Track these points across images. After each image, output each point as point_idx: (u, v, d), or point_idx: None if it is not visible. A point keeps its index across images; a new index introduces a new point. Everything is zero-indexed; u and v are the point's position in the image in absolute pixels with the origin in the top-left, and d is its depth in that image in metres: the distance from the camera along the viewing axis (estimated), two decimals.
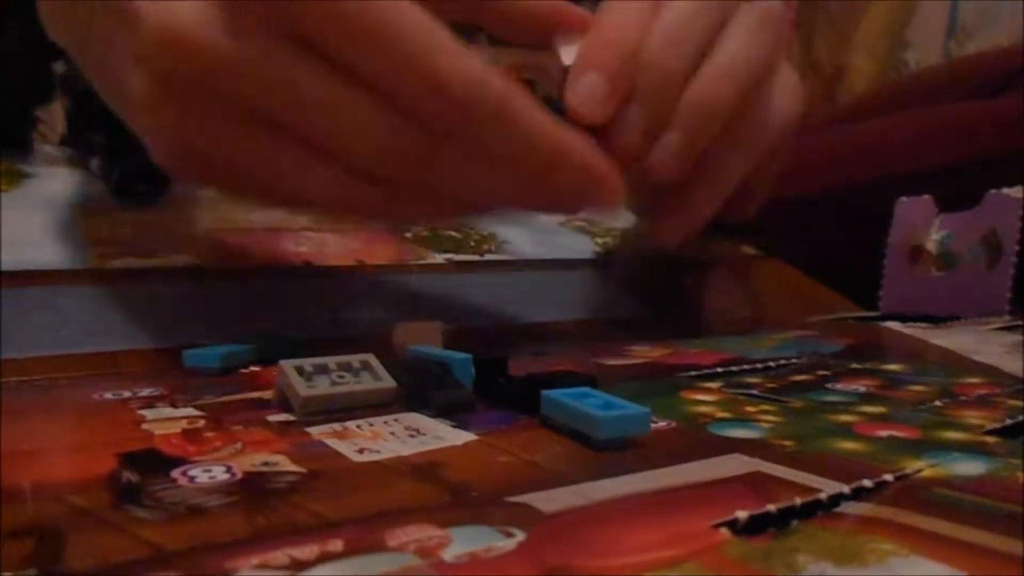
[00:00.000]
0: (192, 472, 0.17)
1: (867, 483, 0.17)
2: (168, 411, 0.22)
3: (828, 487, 0.16)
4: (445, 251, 0.43)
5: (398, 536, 0.14)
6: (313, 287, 0.37)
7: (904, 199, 0.47)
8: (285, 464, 0.18)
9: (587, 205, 0.28)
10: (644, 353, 0.33)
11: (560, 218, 0.53)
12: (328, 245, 0.41)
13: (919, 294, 0.46)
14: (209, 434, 0.20)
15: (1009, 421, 0.22)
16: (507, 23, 0.31)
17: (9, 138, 0.48)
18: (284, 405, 0.22)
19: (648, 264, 0.45)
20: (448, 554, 0.13)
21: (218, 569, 0.13)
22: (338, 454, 0.19)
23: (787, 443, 0.20)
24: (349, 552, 0.13)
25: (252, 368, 0.28)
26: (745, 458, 0.18)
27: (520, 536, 0.14)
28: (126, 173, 0.41)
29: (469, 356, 0.24)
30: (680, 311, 0.44)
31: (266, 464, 0.18)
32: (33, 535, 0.14)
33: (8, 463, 0.18)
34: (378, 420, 0.21)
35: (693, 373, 0.28)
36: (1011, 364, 0.30)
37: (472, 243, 0.45)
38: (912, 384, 0.27)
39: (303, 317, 0.34)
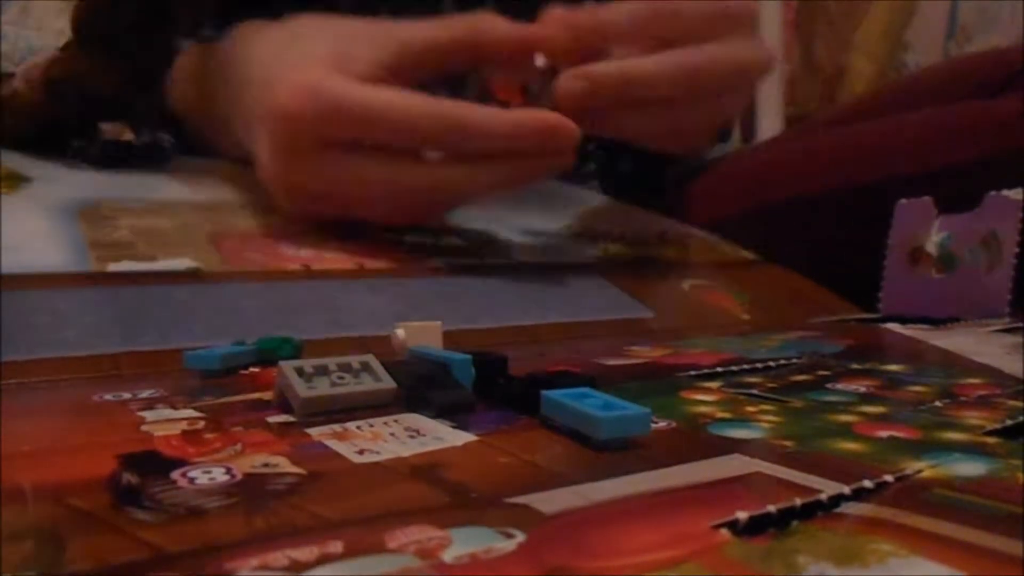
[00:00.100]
0: (192, 473, 0.17)
1: (867, 484, 0.17)
2: (168, 412, 0.22)
3: (828, 488, 0.16)
4: (444, 256, 0.43)
5: (398, 537, 0.14)
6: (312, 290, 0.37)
7: (904, 201, 0.47)
8: (285, 465, 0.18)
9: (553, 161, 0.38)
10: (644, 353, 0.33)
11: (563, 222, 0.53)
12: (328, 250, 0.41)
13: (919, 296, 0.46)
14: (209, 435, 0.20)
15: (1009, 422, 0.22)
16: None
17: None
18: (284, 406, 0.22)
19: None
20: (448, 555, 0.13)
21: (218, 570, 0.13)
22: (338, 455, 0.19)
23: (787, 443, 0.20)
24: (349, 553, 0.13)
25: (252, 369, 0.28)
26: (745, 458, 0.18)
27: (520, 537, 0.14)
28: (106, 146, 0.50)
29: (469, 356, 0.24)
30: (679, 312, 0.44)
31: (266, 465, 0.18)
32: (33, 536, 0.14)
33: (8, 464, 0.18)
34: (378, 421, 0.21)
35: (693, 373, 0.28)
36: (1011, 365, 0.30)
37: (474, 248, 0.45)
38: (912, 384, 0.27)
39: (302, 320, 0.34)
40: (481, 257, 0.44)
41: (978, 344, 0.35)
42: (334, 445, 0.19)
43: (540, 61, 0.41)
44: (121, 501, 0.16)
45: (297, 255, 0.39)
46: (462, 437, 0.20)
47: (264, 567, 0.13)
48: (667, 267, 0.50)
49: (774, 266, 0.53)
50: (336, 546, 0.14)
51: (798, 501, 0.16)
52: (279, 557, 0.13)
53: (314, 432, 0.20)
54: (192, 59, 0.51)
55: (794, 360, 0.31)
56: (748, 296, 0.47)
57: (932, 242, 0.46)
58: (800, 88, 1.70)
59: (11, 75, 0.49)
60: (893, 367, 0.30)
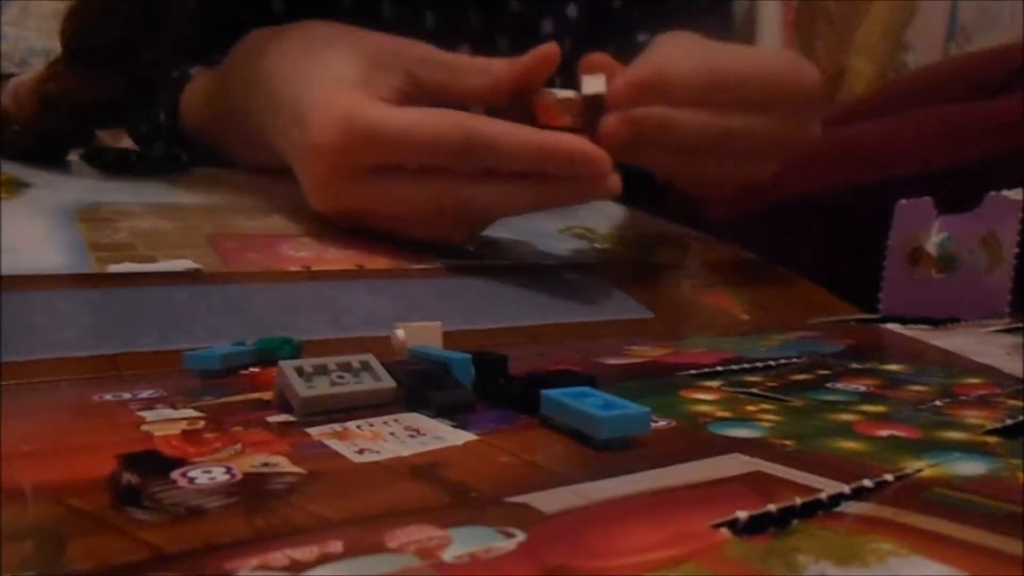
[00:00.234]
0: (192, 473, 0.17)
1: (867, 483, 0.17)
2: (168, 412, 0.22)
3: (828, 487, 0.16)
4: (444, 256, 0.43)
5: (398, 537, 0.14)
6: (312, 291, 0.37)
7: (904, 201, 0.47)
8: (285, 465, 0.18)
9: (585, 187, 0.39)
10: (644, 353, 0.33)
11: (561, 224, 0.53)
12: (328, 250, 0.41)
13: (919, 296, 0.46)
14: (209, 435, 0.20)
15: (1009, 421, 0.22)
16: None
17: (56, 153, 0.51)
18: (284, 406, 0.22)
19: None
20: (448, 555, 0.13)
21: (218, 570, 0.13)
22: (338, 455, 0.19)
23: (787, 443, 0.20)
24: (349, 553, 0.13)
25: (252, 369, 0.28)
26: (745, 458, 0.18)
27: (520, 536, 0.14)
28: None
29: (469, 356, 0.24)
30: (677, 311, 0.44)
31: (266, 465, 0.18)
32: (33, 536, 0.14)
33: (8, 464, 0.18)
34: (378, 420, 0.21)
35: (693, 372, 0.28)
36: (1011, 365, 0.30)
37: (471, 249, 0.45)
38: (912, 384, 0.27)
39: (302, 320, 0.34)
40: (481, 258, 0.44)
41: (978, 344, 0.35)
42: (334, 445, 0.19)
43: (588, 88, 0.42)
44: (121, 501, 0.16)
45: (297, 256, 0.39)
46: (462, 436, 0.20)
47: (264, 567, 0.13)
48: (667, 268, 0.50)
49: (774, 267, 0.53)
50: (336, 546, 0.14)
51: (798, 500, 0.16)
52: (279, 557, 0.13)
53: (314, 432, 0.20)
54: (202, 83, 0.52)
55: (794, 360, 0.31)
56: (748, 296, 0.47)
57: (932, 242, 0.46)
58: None
59: (11, 76, 0.49)
60: (893, 367, 0.30)
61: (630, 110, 0.41)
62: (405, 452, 0.19)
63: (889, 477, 0.17)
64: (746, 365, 0.30)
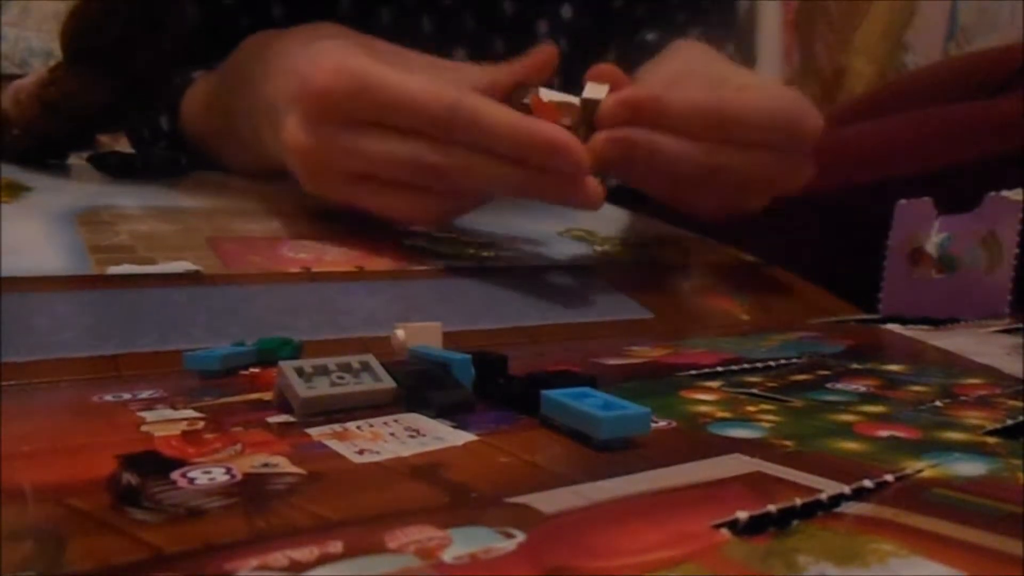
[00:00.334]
0: (192, 474, 0.17)
1: (867, 483, 0.17)
2: (168, 413, 0.22)
3: (828, 487, 0.16)
4: (444, 258, 0.43)
5: (398, 537, 0.14)
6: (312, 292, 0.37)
7: (904, 201, 0.47)
8: (285, 465, 0.18)
9: (564, 184, 0.38)
10: (644, 353, 0.33)
11: (561, 227, 0.53)
12: (328, 252, 0.41)
13: (919, 296, 0.46)
14: (209, 436, 0.20)
15: (1009, 421, 0.22)
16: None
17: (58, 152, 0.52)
18: (284, 406, 0.22)
19: None
20: (448, 555, 0.13)
21: (218, 571, 0.13)
22: (338, 455, 0.19)
23: (787, 443, 0.20)
24: (349, 553, 0.13)
25: (252, 370, 0.28)
26: (745, 458, 0.18)
27: (520, 537, 0.14)
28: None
29: (469, 356, 0.24)
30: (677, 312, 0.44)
31: (266, 465, 0.18)
32: (33, 537, 0.14)
33: (8, 465, 0.18)
34: (378, 421, 0.21)
35: (693, 372, 0.28)
36: (1011, 365, 0.30)
37: (471, 251, 0.45)
38: (912, 384, 0.27)
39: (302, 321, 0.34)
40: (480, 260, 0.44)
41: (978, 344, 0.35)
42: (334, 445, 0.19)
43: (588, 93, 0.42)
44: (121, 501, 0.16)
45: (297, 257, 0.39)
46: (462, 437, 0.20)
47: (264, 567, 0.13)
48: (666, 269, 0.50)
49: (773, 268, 0.53)
50: (336, 546, 0.14)
51: (798, 501, 0.16)
52: (279, 557, 0.13)
53: (314, 432, 0.20)
54: (203, 87, 0.52)
55: (794, 360, 0.31)
56: (748, 298, 0.47)
57: (932, 243, 0.46)
58: (800, 89, 1.70)
59: (11, 76, 0.49)
60: (893, 367, 0.30)
61: (621, 129, 0.41)
62: (405, 452, 0.19)
63: (889, 478, 0.17)
64: (746, 365, 0.30)
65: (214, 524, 0.15)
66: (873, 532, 0.15)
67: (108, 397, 0.24)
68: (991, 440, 0.20)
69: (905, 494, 0.17)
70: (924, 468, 0.18)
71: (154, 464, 0.18)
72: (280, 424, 0.21)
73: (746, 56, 0.64)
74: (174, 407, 0.23)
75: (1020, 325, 0.39)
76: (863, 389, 0.26)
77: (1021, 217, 0.43)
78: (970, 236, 0.44)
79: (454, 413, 0.22)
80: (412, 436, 0.20)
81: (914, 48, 1.60)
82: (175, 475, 0.17)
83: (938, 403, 0.24)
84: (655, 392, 0.25)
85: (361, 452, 0.19)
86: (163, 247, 0.38)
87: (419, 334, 0.29)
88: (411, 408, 0.22)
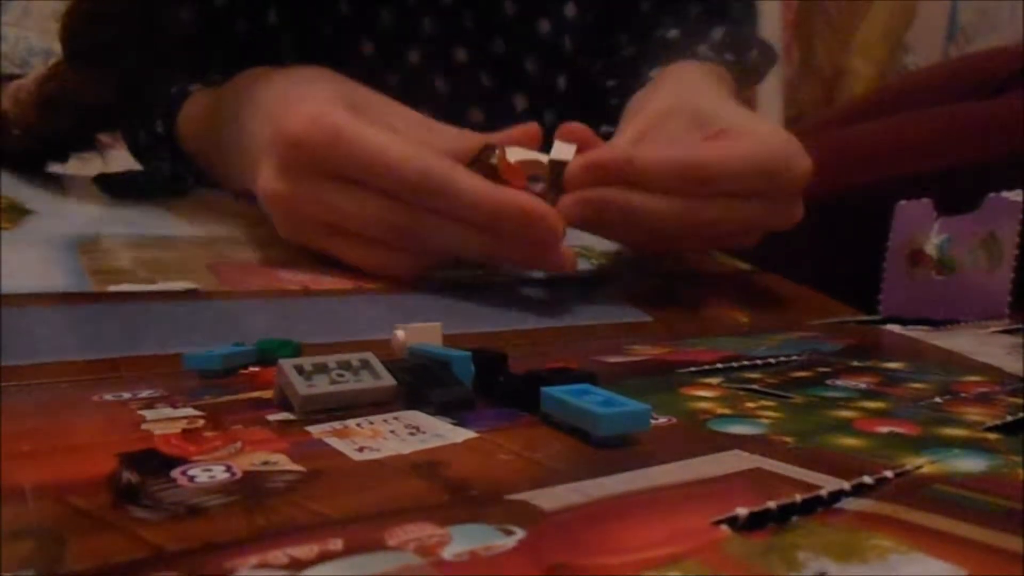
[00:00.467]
0: (192, 472, 0.17)
1: (867, 479, 0.17)
2: (168, 411, 0.22)
3: (828, 483, 0.16)
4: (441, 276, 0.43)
5: (398, 535, 0.14)
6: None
7: (903, 202, 0.47)
8: (285, 463, 0.18)
9: (537, 250, 0.39)
10: (644, 351, 0.33)
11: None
12: (327, 275, 0.41)
13: (919, 298, 0.46)
14: (209, 434, 0.20)
15: (1010, 418, 0.22)
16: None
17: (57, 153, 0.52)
18: (284, 404, 0.22)
19: None
20: (448, 552, 0.13)
21: (218, 569, 0.13)
22: (338, 453, 0.19)
23: (787, 439, 0.20)
24: (349, 551, 0.13)
25: (252, 369, 0.28)
26: (745, 455, 0.18)
27: (520, 534, 0.14)
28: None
29: (469, 353, 0.24)
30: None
31: (266, 463, 0.18)
32: (33, 535, 0.14)
33: (8, 464, 0.18)
34: (378, 418, 0.21)
35: (693, 369, 0.28)
36: (1012, 364, 0.30)
37: (466, 271, 0.45)
38: (912, 381, 0.27)
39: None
40: (476, 278, 0.44)
41: (978, 344, 0.35)
42: (334, 443, 0.19)
43: (555, 154, 0.41)
44: (121, 499, 0.16)
45: (295, 279, 0.40)
46: (462, 434, 0.20)
47: (264, 565, 0.13)
48: (664, 278, 0.50)
49: (771, 275, 0.53)
50: (336, 544, 0.14)
51: (798, 497, 0.16)
52: (279, 555, 0.13)
53: (314, 430, 0.20)
54: (198, 109, 0.53)
55: (794, 357, 0.31)
56: (746, 303, 0.47)
57: (932, 244, 0.46)
58: (800, 90, 1.70)
59: (12, 76, 0.49)
60: (893, 364, 0.30)
61: (590, 191, 0.40)
62: (405, 450, 0.19)
63: (889, 474, 0.17)
64: (746, 362, 0.30)
65: (214, 522, 0.15)
66: (873, 528, 0.15)
67: (108, 396, 0.24)
68: (991, 436, 0.20)
69: (905, 490, 0.17)
70: (924, 464, 0.18)
71: (154, 462, 0.18)
72: (280, 422, 0.21)
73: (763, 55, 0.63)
74: (174, 406, 0.23)
75: (1020, 326, 0.39)
76: (863, 386, 0.26)
77: (1021, 218, 0.43)
78: (970, 237, 0.44)
79: (454, 410, 0.22)
80: (412, 433, 0.20)
81: (914, 49, 1.60)
82: (175, 473, 0.17)
83: (938, 399, 0.24)
84: (655, 389, 0.25)
85: (361, 450, 0.19)
86: (164, 271, 0.39)
87: (419, 335, 0.29)
88: (411, 405, 0.22)
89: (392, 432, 0.20)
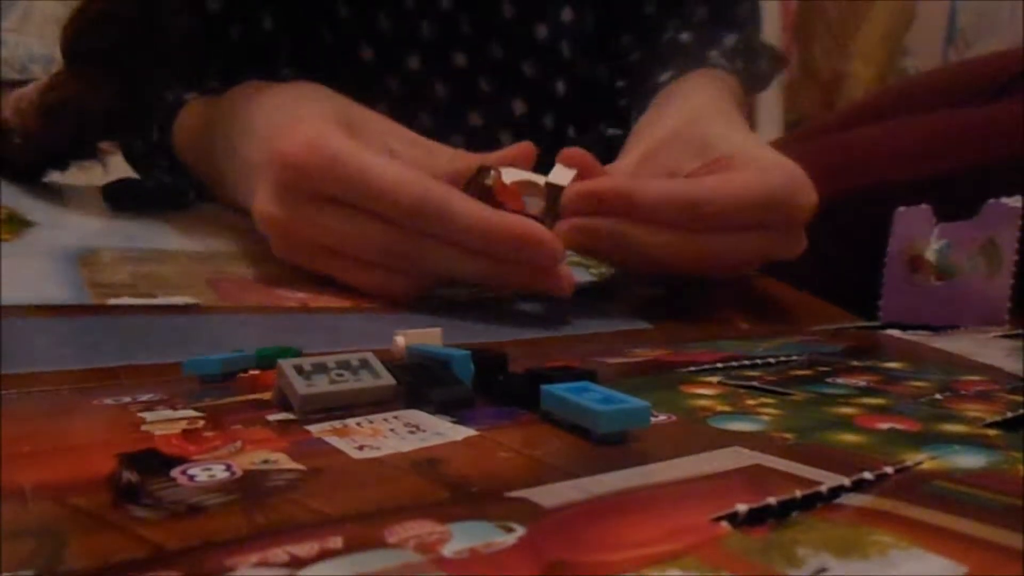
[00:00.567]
0: (192, 471, 0.17)
1: (867, 475, 0.17)
2: (168, 413, 0.22)
3: (828, 479, 0.16)
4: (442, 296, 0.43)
5: (398, 532, 0.14)
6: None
7: (903, 208, 0.47)
8: (285, 462, 0.18)
9: (534, 274, 0.38)
10: (644, 353, 0.33)
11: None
12: (325, 292, 0.41)
13: (919, 303, 0.46)
14: (208, 433, 0.20)
15: (1009, 414, 0.22)
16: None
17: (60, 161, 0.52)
18: (284, 404, 0.22)
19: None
20: (448, 550, 0.13)
21: (218, 567, 0.13)
22: (338, 451, 0.19)
23: (787, 436, 0.20)
24: (349, 549, 0.13)
25: (252, 372, 0.28)
26: (745, 451, 0.18)
27: (520, 531, 0.14)
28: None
29: (468, 352, 0.24)
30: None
31: (266, 462, 0.18)
32: (34, 535, 0.14)
33: (8, 464, 0.18)
34: (378, 417, 0.21)
35: (693, 368, 0.28)
36: (1011, 365, 0.30)
37: (464, 291, 0.45)
38: (912, 380, 0.27)
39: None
40: (475, 296, 0.44)
41: (978, 347, 0.34)
42: (334, 441, 0.19)
43: (553, 177, 0.41)
44: (121, 499, 0.16)
45: (294, 296, 0.40)
46: (462, 432, 0.20)
47: (264, 563, 0.13)
48: (664, 286, 0.50)
49: (771, 280, 0.53)
50: (336, 542, 0.14)
51: (798, 493, 0.16)
52: (279, 553, 0.13)
53: (314, 429, 0.20)
54: (194, 116, 0.53)
55: (794, 357, 0.31)
56: (746, 309, 0.47)
57: (931, 250, 0.46)
58: (799, 93, 1.70)
59: (12, 82, 0.50)
60: (893, 364, 0.30)
61: (587, 220, 0.39)
62: (405, 448, 0.19)
63: (889, 470, 0.17)
64: (746, 362, 0.30)
65: (214, 521, 0.15)
66: (873, 524, 0.15)
67: (108, 400, 0.24)
68: (991, 432, 0.20)
69: (905, 486, 0.17)
70: (924, 460, 0.18)
71: (154, 462, 0.18)
72: (280, 421, 0.21)
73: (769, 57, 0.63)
74: (174, 408, 0.23)
75: (1020, 331, 0.39)
76: (863, 383, 0.26)
77: (1020, 224, 0.43)
78: (969, 243, 0.44)
79: (454, 409, 0.22)
80: (412, 432, 0.20)
81: (913, 52, 1.61)
82: (175, 472, 0.17)
83: (938, 396, 0.24)
84: (655, 387, 0.25)
85: (361, 448, 0.19)
86: (162, 285, 0.39)
87: (419, 340, 0.29)
88: (411, 404, 0.22)
89: (392, 431, 0.20)
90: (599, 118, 0.65)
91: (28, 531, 0.14)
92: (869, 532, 0.14)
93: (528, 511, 0.15)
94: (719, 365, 0.29)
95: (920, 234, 0.46)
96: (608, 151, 0.51)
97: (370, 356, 0.24)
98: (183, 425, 0.21)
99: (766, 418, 0.22)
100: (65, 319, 0.33)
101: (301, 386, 0.22)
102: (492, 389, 0.24)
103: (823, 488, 0.16)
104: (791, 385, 0.26)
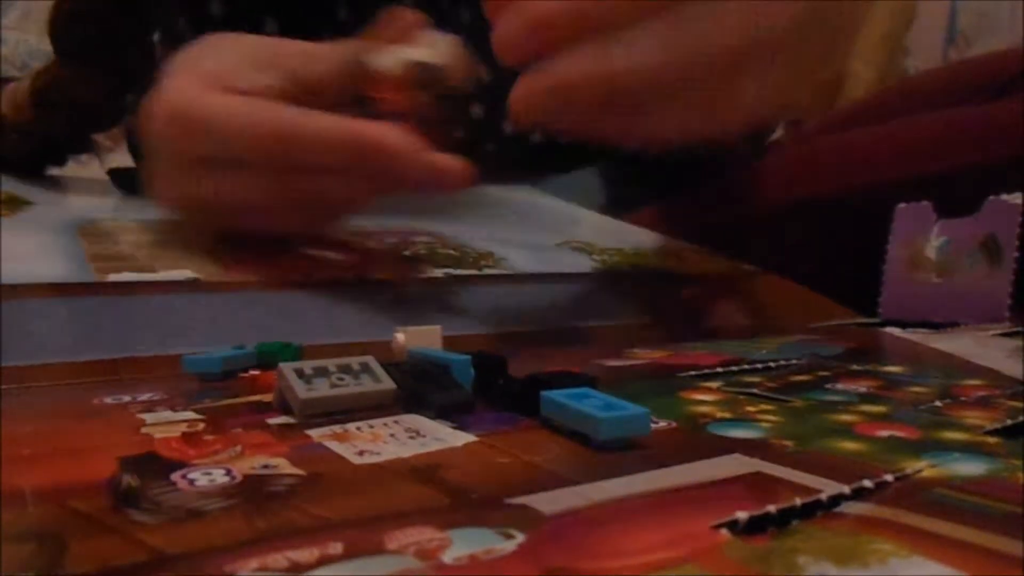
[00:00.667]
0: (192, 475, 0.17)
1: (867, 483, 0.17)
2: (168, 415, 0.22)
3: (828, 487, 0.16)
4: (444, 267, 0.43)
5: (398, 538, 0.14)
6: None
7: (903, 205, 0.47)
8: (285, 467, 0.18)
9: (401, 175, 0.35)
10: (644, 355, 0.33)
11: (559, 238, 0.53)
12: (326, 262, 0.41)
13: (919, 300, 0.46)
14: (209, 437, 0.20)
15: (1009, 421, 0.22)
16: None
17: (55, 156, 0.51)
18: (284, 408, 0.22)
19: None
20: (448, 556, 0.13)
21: (218, 572, 0.13)
22: (338, 456, 0.19)
23: (787, 443, 0.20)
24: (349, 554, 0.13)
25: (252, 372, 0.28)
26: (745, 458, 0.18)
27: (520, 538, 0.14)
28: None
29: (468, 357, 0.24)
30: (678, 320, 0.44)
31: (266, 467, 0.18)
32: (33, 539, 0.14)
33: (8, 467, 0.18)
34: (378, 422, 0.21)
35: (693, 373, 0.28)
36: (1012, 367, 0.30)
37: (471, 259, 0.45)
38: (912, 385, 0.27)
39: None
40: (480, 267, 0.44)
41: (978, 347, 0.34)
42: (334, 446, 0.19)
43: (424, 54, 0.36)
44: (121, 503, 0.16)
45: (297, 264, 0.40)
46: (462, 438, 0.20)
47: (264, 568, 0.13)
48: (664, 278, 0.50)
49: (772, 276, 0.53)
50: (336, 547, 0.14)
51: (798, 501, 0.16)
52: (279, 558, 0.13)
53: (314, 433, 0.20)
54: None
55: (793, 361, 0.31)
56: (747, 303, 0.47)
57: (932, 247, 0.46)
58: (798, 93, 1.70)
59: (11, 80, 0.50)
60: (892, 368, 0.30)
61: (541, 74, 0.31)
62: (405, 454, 0.19)
63: (889, 477, 0.17)
64: (746, 366, 0.30)
65: (214, 525, 0.15)
66: (873, 532, 0.15)
67: (108, 399, 0.24)
68: (991, 440, 0.20)
69: (905, 494, 0.17)
70: (924, 468, 0.18)
71: (154, 466, 0.18)
72: (280, 426, 0.21)
73: None
74: (174, 409, 0.23)
75: (1020, 328, 0.39)
76: (863, 389, 0.26)
77: (1021, 221, 0.43)
78: (970, 240, 0.44)
79: (454, 414, 0.22)
80: (412, 437, 0.20)
81: (914, 52, 1.61)
82: (175, 477, 0.17)
83: (938, 403, 0.24)
84: (655, 393, 0.25)
85: (361, 453, 0.19)
86: (163, 256, 0.38)
87: (419, 337, 0.29)
88: (411, 409, 0.22)
89: (392, 436, 0.20)
90: None
91: (28, 534, 0.14)
92: (869, 540, 0.14)
93: (528, 518, 0.15)
94: (719, 370, 0.29)
95: (920, 231, 0.46)
96: None
97: (371, 360, 0.24)
98: (183, 428, 0.21)
99: (766, 425, 0.22)
100: (65, 300, 0.32)
101: (302, 390, 0.22)
102: (492, 394, 0.24)
103: (823, 496, 0.16)
104: (791, 391, 0.26)
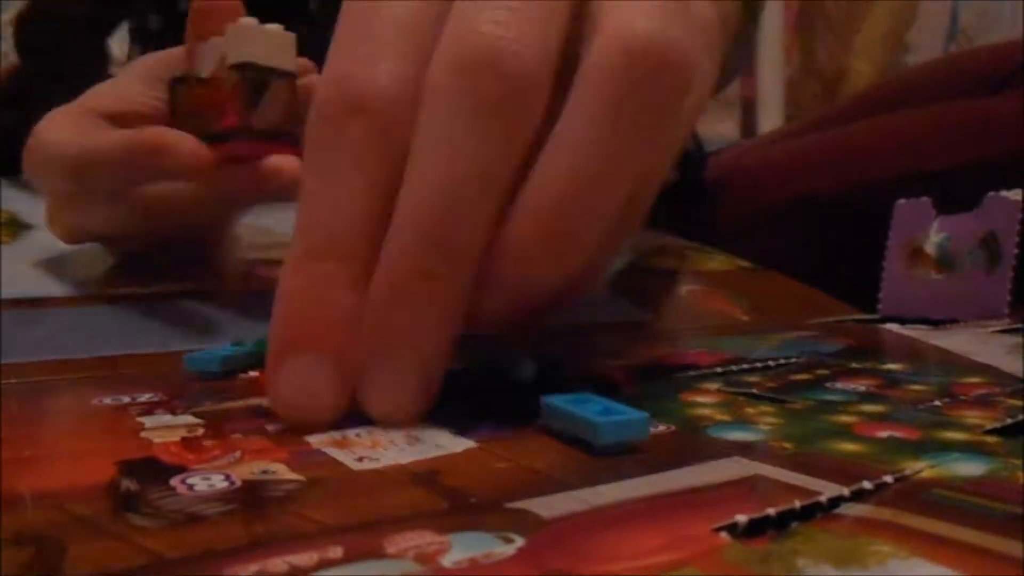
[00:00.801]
0: (191, 480, 0.17)
1: (867, 484, 0.17)
2: (167, 418, 0.22)
3: (828, 489, 0.16)
4: None
5: (397, 543, 0.14)
6: None
7: (902, 201, 0.47)
8: (284, 472, 0.18)
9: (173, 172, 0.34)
10: (644, 355, 0.33)
11: None
12: None
13: (918, 296, 0.46)
14: (208, 442, 0.20)
15: (1009, 420, 0.22)
16: None
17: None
18: None
19: None
20: (447, 560, 0.13)
21: None
22: (337, 462, 0.19)
23: (786, 445, 0.20)
24: (348, 559, 0.13)
25: (252, 373, 0.28)
26: (745, 461, 0.18)
27: (519, 542, 0.14)
28: None
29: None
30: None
31: (265, 472, 0.18)
32: (33, 543, 0.14)
33: (8, 470, 0.18)
34: (377, 428, 0.21)
35: (692, 373, 0.28)
36: (1011, 364, 0.30)
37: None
38: (911, 383, 0.27)
39: None
40: None
41: (978, 344, 0.34)
42: (333, 452, 0.19)
43: (239, 52, 0.31)
44: (120, 507, 0.16)
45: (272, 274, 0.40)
46: (462, 444, 0.20)
47: (263, 573, 0.13)
48: (663, 275, 0.50)
49: (772, 272, 0.53)
50: (335, 552, 0.14)
51: (797, 503, 0.16)
52: (278, 563, 0.13)
53: (313, 439, 0.20)
54: None
55: (792, 360, 0.31)
56: (745, 301, 0.47)
57: (931, 243, 0.46)
58: (800, 90, 1.70)
59: None
60: (892, 366, 0.30)
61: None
62: (404, 460, 0.19)
63: (888, 478, 0.17)
64: (745, 365, 0.30)
65: (214, 530, 0.15)
66: (872, 533, 0.15)
67: (107, 400, 0.24)
68: (991, 439, 0.20)
69: (904, 495, 0.17)
70: (923, 468, 0.18)
71: (153, 470, 0.18)
72: (279, 431, 0.21)
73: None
74: (173, 412, 0.23)
75: (1020, 325, 0.39)
76: (862, 388, 0.26)
77: (1021, 217, 0.42)
78: (970, 236, 0.44)
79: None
80: (411, 443, 0.20)
81: (915, 49, 1.60)
82: (174, 481, 0.17)
83: (937, 402, 0.24)
84: (654, 395, 0.25)
85: (360, 459, 0.19)
86: (161, 276, 0.39)
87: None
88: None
89: (391, 442, 0.20)
90: None
91: (27, 538, 0.14)
92: (868, 542, 0.14)
93: (528, 522, 0.15)
94: (718, 370, 0.29)
95: (920, 227, 0.46)
96: None
97: None
98: (182, 432, 0.21)
99: (765, 427, 0.21)
100: (65, 309, 0.33)
101: None
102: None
103: (823, 498, 0.16)
104: (790, 391, 0.26)
